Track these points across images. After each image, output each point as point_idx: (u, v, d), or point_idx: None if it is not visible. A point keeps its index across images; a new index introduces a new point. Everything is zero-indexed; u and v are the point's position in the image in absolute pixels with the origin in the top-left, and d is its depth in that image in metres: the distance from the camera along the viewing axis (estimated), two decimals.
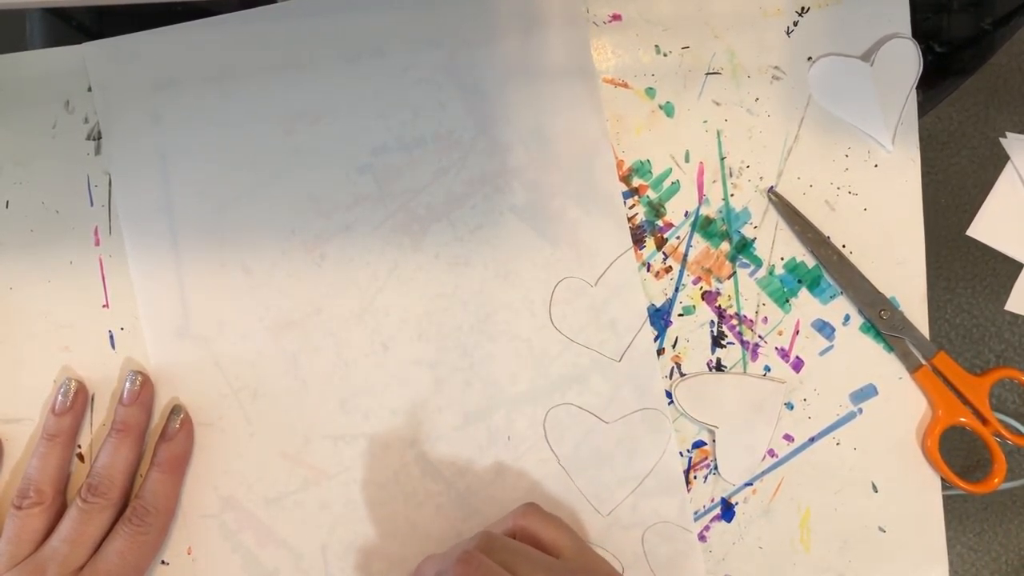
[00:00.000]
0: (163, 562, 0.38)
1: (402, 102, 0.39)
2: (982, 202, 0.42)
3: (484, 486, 0.39)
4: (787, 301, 0.40)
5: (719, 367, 0.40)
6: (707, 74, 0.40)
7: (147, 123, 0.39)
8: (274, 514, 0.38)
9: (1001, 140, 0.42)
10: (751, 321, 0.40)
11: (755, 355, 0.40)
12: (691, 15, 0.40)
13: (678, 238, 0.40)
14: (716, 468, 0.40)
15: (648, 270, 0.40)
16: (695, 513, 0.40)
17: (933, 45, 0.42)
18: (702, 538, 0.40)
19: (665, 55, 0.40)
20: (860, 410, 0.40)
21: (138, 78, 0.39)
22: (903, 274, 0.40)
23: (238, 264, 0.39)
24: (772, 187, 0.40)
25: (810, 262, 0.40)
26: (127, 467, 0.36)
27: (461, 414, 0.39)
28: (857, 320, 0.40)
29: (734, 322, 0.40)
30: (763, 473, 0.40)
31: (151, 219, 0.38)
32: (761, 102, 0.40)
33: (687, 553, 0.39)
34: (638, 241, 0.40)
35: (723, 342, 0.40)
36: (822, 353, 0.40)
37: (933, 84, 0.41)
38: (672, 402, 0.39)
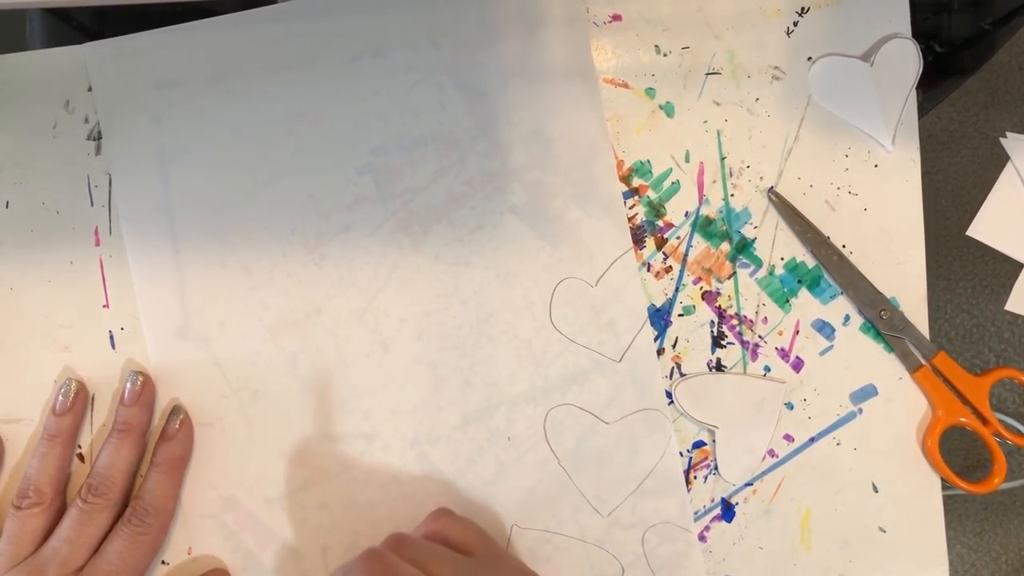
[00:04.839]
0: (163, 562, 0.38)
1: (402, 102, 0.39)
2: (982, 202, 0.42)
3: (484, 486, 0.39)
4: (787, 301, 0.40)
5: (719, 367, 0.40)
6: (707, 74, 0.40)
7: (147, 123, 0.39)
8: (274, 514, 0.38)
9: (1001, 140, 0.42)
10: (751, 321, 0.40)
11: (755, 355, 0.40)
12: (691, 15, 0.40)
13: (678, 238, 0.40)
14: (716, 468, 0.40)
15: (648, 270, 0.40)
16: (695, 513, 0.40)
17: (933, 45, 0.42)
18: (702, 538, 0.40)
19: (665, 55, 0.40)
20: (860, 410, 0.40)
21: (138, 78, 0.39)
22: (903, 274, 0.40)
23: (238, 264, 0.39)
24: (772, 187, 0.40)
25: (810, 262, 0.40)
26: (127, 467, 0.36)
27: (461, 414, 0.39)
28: (857, 320, 0.40)
29: (734, 322, 0.40)
30: (763, 473, 0.40)
31: (151, 219, 0.38)
32: (761, 102, 0.40)
33: (687, 553, 0.39)
34: (638, 241, 0.40)
35: (723, 342, 0.40)
36: (822, 353, 0.40)
37: (933, 84, 0.41)
38: (672, 402, 0.39)
